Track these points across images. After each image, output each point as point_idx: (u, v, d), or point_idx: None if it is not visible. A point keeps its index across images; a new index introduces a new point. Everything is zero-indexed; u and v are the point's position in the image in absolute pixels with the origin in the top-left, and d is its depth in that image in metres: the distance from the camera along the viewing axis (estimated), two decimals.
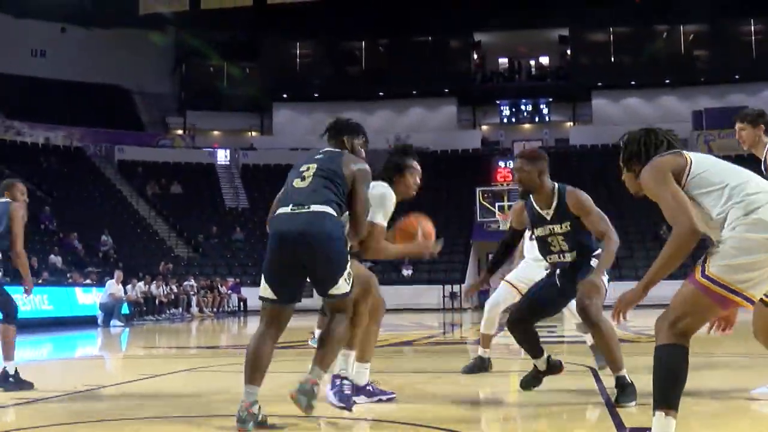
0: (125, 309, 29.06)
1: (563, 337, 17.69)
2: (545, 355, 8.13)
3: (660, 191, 4.93)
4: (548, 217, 8.05)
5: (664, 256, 4.84)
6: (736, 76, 54.57)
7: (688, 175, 4.92)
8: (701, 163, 4.98)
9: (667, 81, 54.40)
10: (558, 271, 7.99)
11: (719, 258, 4.63)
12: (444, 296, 40.63)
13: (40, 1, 48.09)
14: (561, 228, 7.97)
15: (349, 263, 6.17)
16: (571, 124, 58.14)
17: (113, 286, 27.68)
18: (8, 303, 9.59)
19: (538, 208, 8.12)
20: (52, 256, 35.33)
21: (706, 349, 11.46)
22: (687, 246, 4.73)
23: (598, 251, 7.98)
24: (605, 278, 7.67)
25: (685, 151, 5.06)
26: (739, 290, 4.57)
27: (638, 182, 5.33)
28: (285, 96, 58.90)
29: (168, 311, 32.47)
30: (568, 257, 7.92)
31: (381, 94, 58.11)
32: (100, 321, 27.07)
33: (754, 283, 4.59)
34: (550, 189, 8.22)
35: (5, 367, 8.96)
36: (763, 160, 7.94)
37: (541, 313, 8.22)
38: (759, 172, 6.47)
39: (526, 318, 8.01)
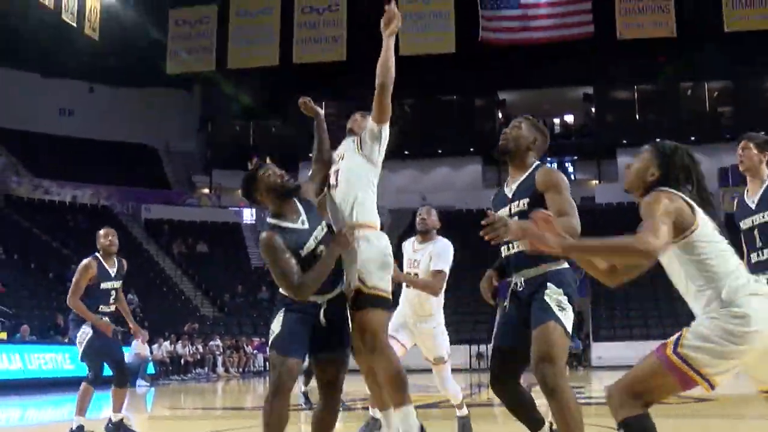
0: (151, 369, 29.02)
1: (591, 398, 17.51)
2: (546, 425, 6.63)
3: (656, 217, 4.87)
4: (510, 194, 6.75)
5: (606, 244, 4.83)
6: (762, 133, 54.41)
7: (688, 235, 4.91)
8: (705, 233, 4.92)
9: (692, 138, 54.25)
10: (511, 287, 6.54)
11: (695, 339, 4.61)
12: (471, 356, 40.38)
13: (68, 61, 48.52)
14: (518, 206, 6.55)
15: None
16: (597, 182, 57.98)
17: (139, 346, 27.66)
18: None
19: (746, 198, 7.59)
20: None
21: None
22: (632, 258, 5.04)
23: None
24: (568, 315, 6.25)
25: (699, 212, 4.98)
26: (705, 374, 4.55)
27: (639, 183, 5.29)
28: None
29: (194, 371, 32.44)
30: (518, 247, 6.38)
31: (406, 153, 58.20)
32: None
33: (723, 370, 4.57)
34: (528, 164, 6.98)
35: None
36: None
37: (511, 360, 6.42)
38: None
39: (498, 375, 6.44)
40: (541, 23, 43.28)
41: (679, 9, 41.11)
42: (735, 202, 7.84)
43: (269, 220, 6.83)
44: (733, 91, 56.38)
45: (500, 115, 59.81)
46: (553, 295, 6.21)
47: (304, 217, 6.94)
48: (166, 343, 31.66)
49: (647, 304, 42.56)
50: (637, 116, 57.75)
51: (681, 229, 4.85)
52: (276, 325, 6.25)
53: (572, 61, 51.24)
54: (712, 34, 43.34)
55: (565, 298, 6.26)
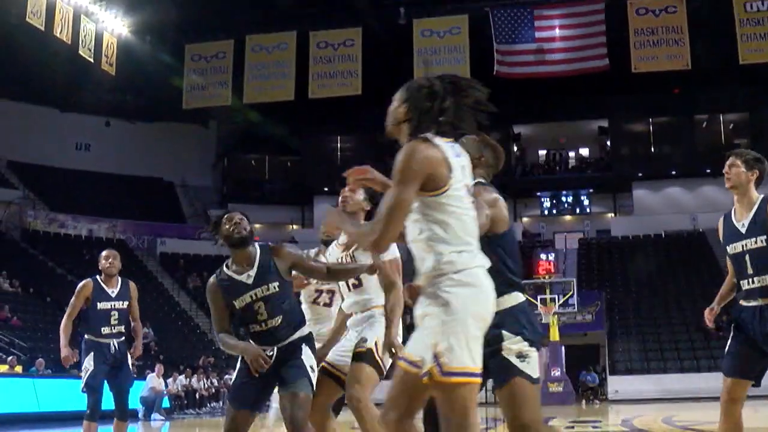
0: (166, 403, 29.01)
1: None
2: None
3: (392, 199, 4.66)
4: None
5: (363, 231, 4.76)
6: None
7: (435, 195, 4.70)
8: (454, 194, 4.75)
9: (708, 170, 54.16)
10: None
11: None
12: (487, 390, 40.16)
13: (85, 96, 48.82)
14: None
15: None
16: (613, 215, 57.84)
17: (154, 380, 27.69)
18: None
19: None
20: None
21: None
22: (364, 243, 4.95)
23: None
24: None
25: (455, 170, 4.81)
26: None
27: (395, 129, 5.24)
28: (326, 189, 59.20)
29: (209, 405, 32.40)
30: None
31: None
32: (141, 414, 27.03)
33: None
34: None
35: None
36: None
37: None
38: None
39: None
40: (557, 57, 43.34)
41: (694, 42, 41.12)
42: (720, 222, 7.63)
43: (223, 266, 7.56)
44: (748, 122, 56.22)
45: (515, 148, 59.81)
46: None
47: (253, 271, 7.40)
48: (181, 377, 31.66)
49: (664, 337, 42.45)
50: (653, 149, 57.64)
51: (430, 188, 4.64)
52: (234, 375, 6.64)
53: (587, 94, 51.38)
54: (727, 66, 43.38)
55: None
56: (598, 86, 48.56)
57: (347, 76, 43.46)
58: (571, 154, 60.25)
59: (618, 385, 40.20)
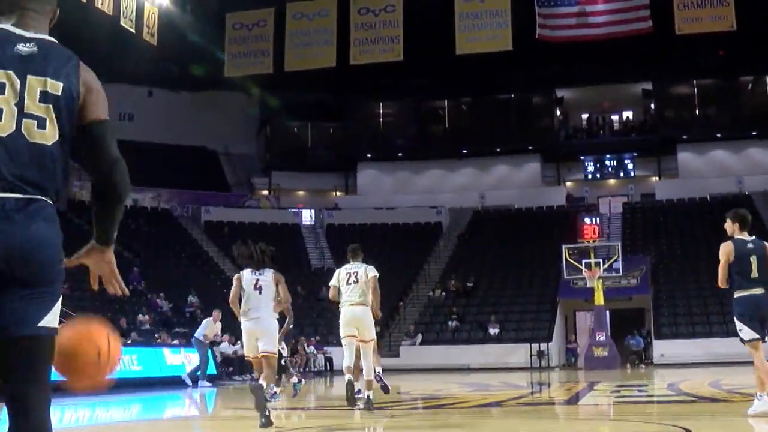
0: (212, 369, 29.19)
1: (652, 396, 17.39)
2: None
3: None
4: None
5: None
6: None
7: None
8: None
9: (754, 132, 53.64)
10: None
11: None
12: (531, 355, 40.21)
13: (128, 66, 48.98)
14: None
15: None
16: (657, 178, 57.38)
17: (210, 326, 27.32)
18: None
19: None
20: (140, 316, 35.73)
21: None
22: None
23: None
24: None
25: None
26: None
27: None
28: (369, 155, 59.17)
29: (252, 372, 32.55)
30: None
31: (464, 152, 58.11)
32: (187, 377, 27.01)
33: None
34: None
35: None
36: None
37: None
38: None
39: None
40: (599, 19, 42.98)
41: (739, 2, 40.60)
42: None
43: None
44: None
45: (558, 112, 59.52)
46: None
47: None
48: (224, 344, 31.88)
49: (710, 300, 42.16)
50: (697, 111, 57.12)
51: None
52: None
53: (631, 57, 50.89)
54: None
55: None
56: (642, 49, 48.16)
57: (388, 41, 43.31)
58: (615, 117, 59.85)
59: (663, 349, 40.05)
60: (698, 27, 41.43)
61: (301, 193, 59.91)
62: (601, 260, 39.37)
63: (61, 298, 3.68)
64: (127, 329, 32.53)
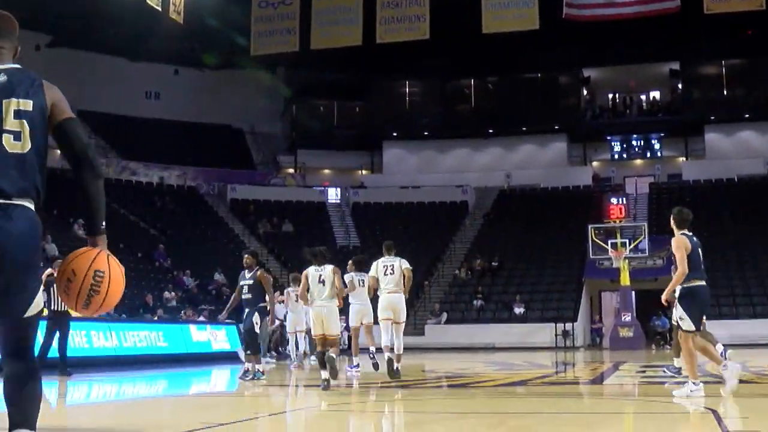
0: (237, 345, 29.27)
1: (678, 377, 17.32)
2: None
3: None
4: None
5: None
6: None
7: None
8: None
9: None
10: None
11: None
12: (556, 334, 40.16)
13: (154, 44, 49.07)
14: None
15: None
16: (684, 159, 57.09)
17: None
18: None
19: None
20: (166, 293, 35.92)
21: None
22: None
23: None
24: None
25: None
26: None
27: None
28: (395, 134, 59.13)
29: (280, 350, 32.60)
30: None
31: (490, 131, 58.02)
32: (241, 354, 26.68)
33: None
34: None
35: None
36: None
37: None
38: None
39: None
40: None
41: None
42: None
43: None
44: None
45: (585, 92, 59.29)
46: None
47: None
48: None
49: (735, 282, 42.03)
50: (725, 91, 56.76)
51: None
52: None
53: (658, 37, 50.55)
54: None
55: None
56: (669, 28, 47.81)
57: (415, 20, 43.14)
58: (642, 97, 59.51)
59: None
60: (727, 6, 41.04)
61: (326, 171, 59.96)
62: (627, 240, 39.25)
63: (42, 283, 4.54)
64: (153, 306, 32.73)
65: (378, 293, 16.66)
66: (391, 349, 16.24)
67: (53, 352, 18.96)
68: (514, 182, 55.67)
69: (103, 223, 4.84)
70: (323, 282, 14.35)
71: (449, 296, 45.81)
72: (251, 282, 16.79)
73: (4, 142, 4.44)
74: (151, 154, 52.51)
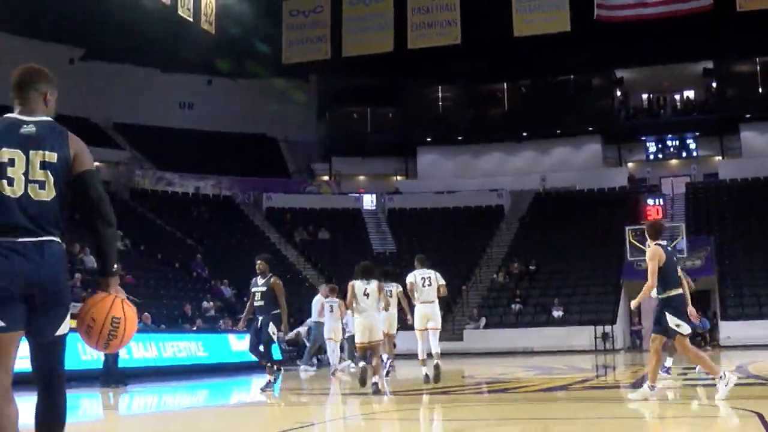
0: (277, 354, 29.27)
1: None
2: None
3: None
4: None
5: None
6: None
7: None
8: None
9: None
10: None
11: None
12: (596, 337, 39.95)
13: (187, 55, 49.33)
14: None
15: None
16: (720, 158, 56.71)
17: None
18: None
19: None
20: (204, 303, 36.04)
21: None
22: None
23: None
24: None
25: None
26: None
27: None
28: (428, 139, 59.12)
29: (318, 357, 32.60)
30: None
31: (524, 134, 57.92)
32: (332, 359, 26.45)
33: None
34: None
35: None
36: None
37: None
38: None
39: None
40: None
41: None
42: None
43: None
44: None
45: (618, 93, 59.05)
46: None
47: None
48: (301, 329, 32.21)
49: None
50: (760, 89, 56.31)
51: None
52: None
53: (690, 36, 50.19)
54: None
55: None
56: (702, 27, 47.44)
57: (446, 25, 43.11)
58: (676, 97, 59.17)
59: (730, 330, 39.66)
60: (761, 3, 40.70)
61: (361, 178, 60.00)
62: (664, 242, 38.98)
63: (70, 310, 5.14)
64: (191, 316, 32.83)
65: (414, 303, 17.20)
66: (426, 359, 17.07)
67: (100, 363, 19.18)
68: (549, 185, 55.51)
69: (115, 266, 5.26)
70: (368, 295, 15.57)
71: (487, 301, 45.71)
72: (264, 289, 16.86)
73: (29, 191, 4.97)
74: (186, 164, 52.75)
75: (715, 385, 11.19)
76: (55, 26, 47.38)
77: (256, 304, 16.84)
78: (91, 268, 34.10)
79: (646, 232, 12.79)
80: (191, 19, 41.25)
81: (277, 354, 29.27)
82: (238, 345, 29.37)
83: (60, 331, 5.09)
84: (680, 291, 12.07)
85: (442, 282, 17.09)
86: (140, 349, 23.97)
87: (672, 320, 11.73)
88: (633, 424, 9.66)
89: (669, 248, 12.57)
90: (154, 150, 53.30)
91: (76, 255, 34.26)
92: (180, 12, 40.37)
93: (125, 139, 53.76)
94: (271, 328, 16.66)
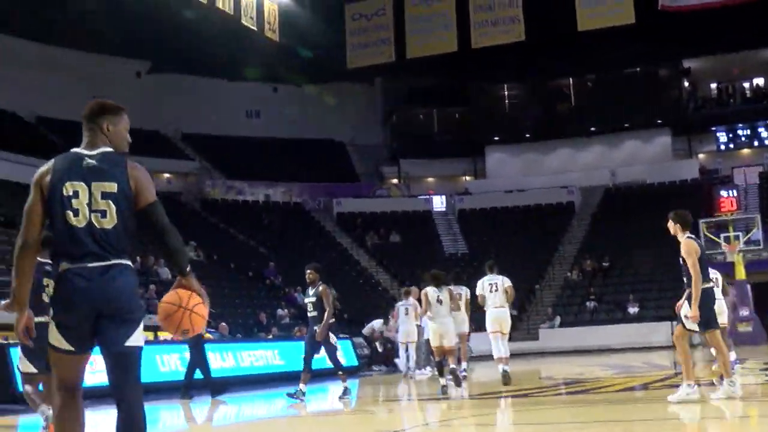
0: (354, 360, 29.27)
1: None
2: None
3: None
4: None
5: None
6: None
7: None
8: None
9: None
10: None
11: None
12: (673, 333, 39.34)
13: (251, 64, 49.67)
14: None
15: None
16: None
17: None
18: None
19: None
20: (279, 310, 36.16)
21: None
22: None
23: None
24: None
25: None
26: None
27: None
28: (496, 138, 58.92)
29: (394, 361, 32.54)
30: None
31: (592, 129, 57.51)
32: (402, 364, 26.30)
33: None
34: None
35: None
36: None
37: None
38: None
39: None
40: None
41: None
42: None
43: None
44: None
45: (686, 83, 58.40)
46: None
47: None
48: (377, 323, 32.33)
49: None
50: None
51: None
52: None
53: (757, 22, 49.45)
54: None
55: None
56: None
57: (509, 22, 42.95)
58: (745, 85, 58.38)
59: None
60: None
61: (430, 179, 59.92)
62: (740, 233, 38.46)
63: (142, 323, 5.46)
64: (267, 324, 32.96)
65: (485, 309, 18.10)
66: (502, 359, 17.67)
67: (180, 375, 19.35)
68: (619, 179, 55.01)
69: (189, 266, 5.66)
70: (440, 301, 16.61)
71: (561, 299, 45.42)
72: (314, 299, 16.37)
73: (93, 220, 5.36)
74: (256, 172, 53.03)
75: None
76: (121, 41, 47.98)
77: (309, 314, 16.58)
78: (165, 279, 34.45)
79: (672, 223, 12.31)
80: (255, 28, 41.60)
81: (352, 360, 29.37)
82: None
83: (131, 343, 5.37)
84: (709, 286, 11.75)
85: (509, 284, 17.95)
86: (218, 360, 24.07)
87: (685, 310, 11.57)
88: (719, 424, 9.49)
89: (699, 241, 12.29)
90: (223, 159, 53.69)
91: (150, 266, 34.62)
92: (244, 21, 40.71)
93: (194, 149, 54.22)
94: (332, 338, 16.65)
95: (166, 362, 22.21)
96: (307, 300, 16.76)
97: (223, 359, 24.55)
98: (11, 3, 43.78)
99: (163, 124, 52.49)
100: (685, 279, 11.83)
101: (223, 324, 27.36)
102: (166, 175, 50.58)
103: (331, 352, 16.62)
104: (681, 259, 11.87)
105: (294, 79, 55.99)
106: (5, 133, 42.80)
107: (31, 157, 33.79)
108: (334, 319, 16.95)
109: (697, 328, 11.50)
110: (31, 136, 44.44)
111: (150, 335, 25.95)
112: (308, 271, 16.59)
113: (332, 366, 16.90)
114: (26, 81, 46.58)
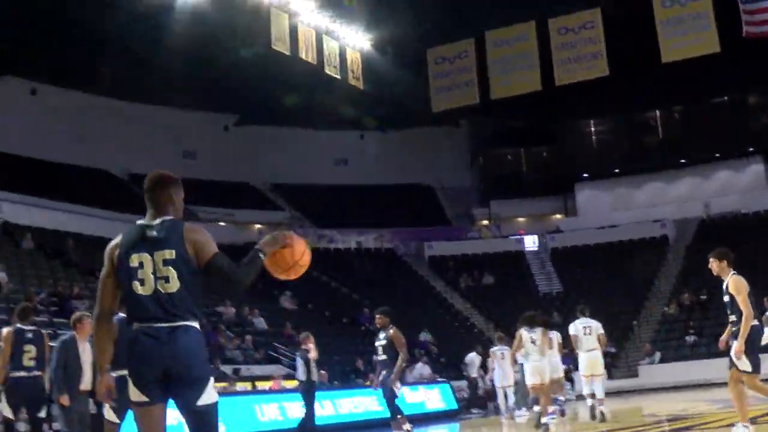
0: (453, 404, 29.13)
1: None
2: None
3: None
4: None
5: None
6: None
7: None
8: None
9: None
10: None
11: None
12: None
13: (337, 112, 50.05)
14: None
15: None
16: None
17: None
18: None
19: None
20: (374, 356, 36.08)
21: None
22: None
23: None
24: None
25: None
26: None
27: None
28: (585, 175, 58.51)
29: (489, 405, 32.25)
30: None
31: (682, 161, 56.84)
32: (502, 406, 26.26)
33: None
34: None
35: None
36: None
37: None
38: None
39: None
40: None
41: None
42: None
43: None
44: None
45: None
46: None
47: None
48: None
49: None
50: None
51: None
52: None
53: None
54: None
55: None
56: None
57: (591, 58, 42.79)
58: None
59: None
60: None
61: (520, 219, 59.67)
62: None
63: (212, 379, 5.74)
64: (364, 370, 32.96)
65: (578, 351, 19.00)
66: (592, 396, 18.67)
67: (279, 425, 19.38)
68: (713, 211, 54.14)
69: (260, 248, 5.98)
70: (534, 342, 17.75)
71: (660, 334, 44.75)
72: (384, 343, 16.41)
73: (158, 286, 5.68)
74: (346, 220, 53.27)
75: None
76: (208, 96, 48.76)
77: (379, 359, 16.59)
78: (261, 330, 34.69)
79: (717, 261, 11.89)
80: (338, 76, 41.96)
81: (451, 403, 29.23)
82: (412, 396, 29.34)
83: (203, 402, 5.65)
84: (756, 323, 11.52)
85: (601, 332, 18.90)
86: (317, 407, 24.13)
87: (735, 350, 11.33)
88: None
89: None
90: (313, 208, 54.04)
91: (245, 316, 34.95)
92: (327, 70, 41.14)
93: (284, 199, 54.69)
94: (397, 384, 16.39)
95: (265, 413, 22.33)
96: (377, 344, 16.74)
97: (322, 407, 24.61)
98: (98, 62, 44.79)
99: (252, 176, 53.11)
100: (733, 317, 11.58)
101: (322, 372, 27.42)
102: (257, 226, 50.99)
103: (392, 397, 16.46)
104: (728, 296, 11.61)
105: (380, 125, 56.29)
106: (98, 190, 43.66)
107: (124, 213, 34.41)
108: (407, 364, 17.01)
109: (750, 368, 11.25)
110: (123, 192, 45.21)
111: (248, 385, 26.13)
112: (378, 316, 16.94)
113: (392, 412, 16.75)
114: (119, 139, 47.61)
